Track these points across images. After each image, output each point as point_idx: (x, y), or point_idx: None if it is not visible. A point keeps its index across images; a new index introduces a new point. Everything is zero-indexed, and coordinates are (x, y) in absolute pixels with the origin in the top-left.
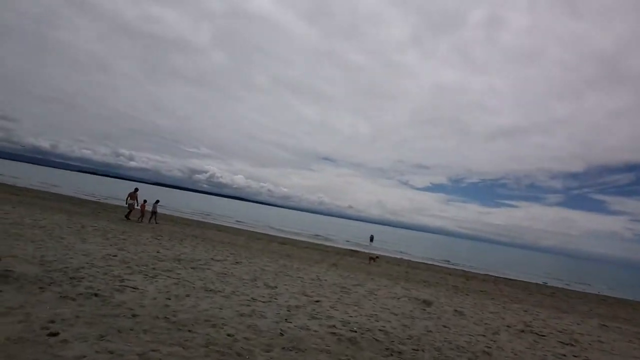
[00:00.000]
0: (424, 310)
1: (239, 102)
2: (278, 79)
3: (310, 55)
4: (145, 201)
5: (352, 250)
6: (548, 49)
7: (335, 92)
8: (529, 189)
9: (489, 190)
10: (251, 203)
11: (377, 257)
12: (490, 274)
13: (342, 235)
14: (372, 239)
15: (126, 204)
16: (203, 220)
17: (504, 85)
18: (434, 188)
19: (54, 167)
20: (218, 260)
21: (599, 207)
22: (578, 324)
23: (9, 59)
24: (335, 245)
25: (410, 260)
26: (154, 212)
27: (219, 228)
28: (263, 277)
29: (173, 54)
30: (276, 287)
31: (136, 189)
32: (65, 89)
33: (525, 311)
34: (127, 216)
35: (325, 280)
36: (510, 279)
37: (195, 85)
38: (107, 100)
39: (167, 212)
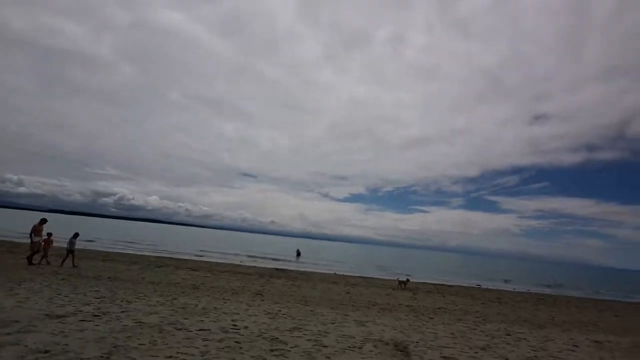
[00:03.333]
0: None
1: (152, 119)
2: (194, 95)
3: (227, 71)
4: (49, 235)
5: (278, 269)
6: (444, 66)
7: (254, 107)
8: (436, 194)
9: (403, 197)
10: (168, 225)
11: (407, 280)
12: (426, 281)
13: (267, 252)
14: (298, 253)
15: (31, 242)
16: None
17: (411, 99)
18: (353, 198)
19: None
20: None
21: (493, 207)
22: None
23: None
24: (259, 265)
25: (345, 275)
26: (70, 251)
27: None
28: (127, 344)
29: (73, 67)
30: None
31: (43, 221)
32: None
33: (510, 335)
34: (30, 260)
35: (246, 327)
36: (449, 286)
37: (101, 102)
38: None
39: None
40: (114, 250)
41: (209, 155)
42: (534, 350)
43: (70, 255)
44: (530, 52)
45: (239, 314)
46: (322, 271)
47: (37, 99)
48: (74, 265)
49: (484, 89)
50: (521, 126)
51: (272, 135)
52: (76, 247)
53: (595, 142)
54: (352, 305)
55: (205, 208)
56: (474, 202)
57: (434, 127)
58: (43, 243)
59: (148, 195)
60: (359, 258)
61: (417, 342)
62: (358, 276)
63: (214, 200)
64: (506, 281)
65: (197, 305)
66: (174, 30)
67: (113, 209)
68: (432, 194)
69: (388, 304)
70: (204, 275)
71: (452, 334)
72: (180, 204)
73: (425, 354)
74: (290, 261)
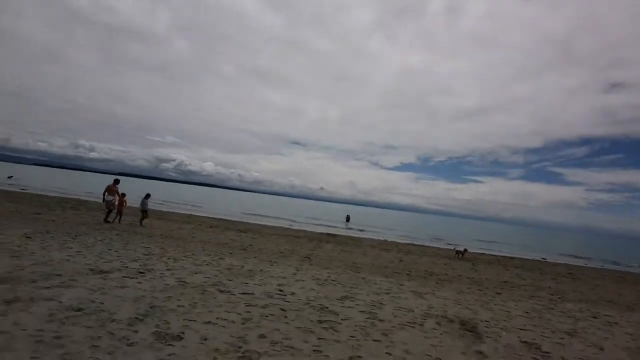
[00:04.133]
0: (479, 352)
1: (205, 90)
2: (244, 67)
3: (276, 43)
4: (124, 195)
5: (328, 234)
6: (506, 34)
7: (302, 78)
8: (493, 165)
9: (456, 167)
10: (221, 189)
11: (465, 250)
12: (484, 252)
13: (316, 216)
14: (348, 219)
15: (103, 201)
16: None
17: (467, 68)
18: (404, 167)
19: (6, 162)
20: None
21: (557, 179)
22: None
23: None
24: (308, 230)
25: (396, 243)
26: (143, 211)
27: (159, 216)
28: (166, 305)
29: (131, 42)
30: (182, 337)
31: (116, 181)
32: (16, 82)
33: (596, 318)
34: (106, 219)
35: (293, 293)
36: (510, 258)
37: (157, 74)
38: (64, 92)
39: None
40: (170, 210)
41: (259, 124)
42: (634, 340)
43: (143, 214)
44: (604, 16)
45: (285, 278)
46: (373, 237)
47: (100, 73)
48: (141, 224)
49: (551, 57)
50: (594, 95)
51: (321, 105)
52: (148, 207)
53: None
54: (407, 274)
55: (255, 174)
56: (535, 173)
57: (492, 97)
58: (117, 203)
59: (203, 161)
60: (410, 226)
61: (487, 322)
62: (410, 244)
63: (264, 167)
64: (576, 257)
65: (243, 266)
66: (225, 5)
67: (173, 174)
68: (488, 165)
69: (446, 274)
70: (252, 237)
71: (526, 312)
72: (232, 170)
73: (500, 336)
74: (339, 227)
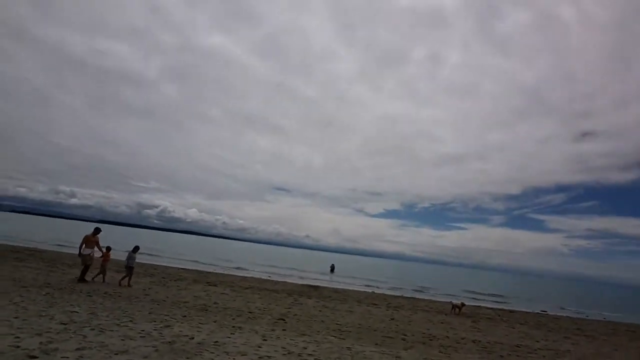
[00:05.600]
0: None
1: (192, 134)
2: (231, 112)
3: (264, 89)
4: (108, 249)
5: (309, 286)
6: (481, 83)
7: (289, 124)
8: (475, 212)
9: (440, 214)
10: (205, 237)
11: (462, 304)
12: (479, 304)
13: (299, 266)
14: (332, 268)
15: (79, 255)
16: None
17: (446, 116)
18: (388, 214)
19: None
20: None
21: (538, 226)
22: None
23: None
24: (289, 281)
25: (385, 295)
26: (129, 268)
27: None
28: None
29: (121, 87)
30: None
31: (96, 230)
32: (1, 124)
33: None
34: (82, 276)
35: None
36: (510, 311)
37: (145, 119)
38: (47, 135)
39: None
40: (139, 261)
41: (245, 169)
42: None
43: (128, 271)
44: (574, 68)
45: (246, 354)
46: (359, 289)
47: (87, 116)
48: (129, 285)
49: (524, 106)
50: (566, 143)
51: (306, 151)
52: (134, 261)
53: None
54: (403, 338)
55: (240, 221)
56: (517, 220)
57: (469, 144)
58: (101, 257)
59: (187, 208)
60: (397, 275)
61: None
62: (400, 296)
63: (248, 213)
64: (573, 308)
65: (193, 338)
66: (215, 52)
67: (156, 221)
68: (471, 211)
69: (448, 337)
70: (221, 291)
71: None
72: (217, 216)
73: None
74: (323, 278)
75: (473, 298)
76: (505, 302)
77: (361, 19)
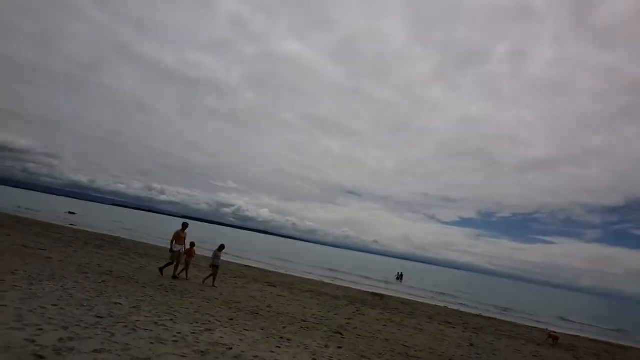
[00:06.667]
0: None
1: (267, 137)
2: (305, 116)
3: (337, 93)
4: (193, 245)
5: (374, 294)
6: (577, 80)
7: (361, 127)
8: (565, 224)
9: (522, 225)
10: (275, 237)
11: (557, 337)
12: (579, 333)
13: (365, 272)
14: (401, 277)
15: (170, 250)
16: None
17: (532, 116)
18: (462, 222)
19: (91, 201)
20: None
21: None
22: None
23: (58, 103)
24: (353, 287)
25: (460, 312)
26: (214, 267)
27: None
28: None
29: (206, 94)
30: None
31: (185, 225)
32: (106, 129)
33: None
34: (174, 273)
35: None
36: (619, 347)
37: (225, 123)
38: (144, 138)
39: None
40: (203, 254)
41: (316, 172)
42: None
43: (213, 270)
44: None
45: None
46: (430, 302)
47: (176, 122)
48: (213, 285)
49: (633, 104)
50: None
51: (378, 154)
52: (220, 260)
53: None
54: None
55: (310, 223)
56: (617, 236)
57: (561, 147)
58: (185, 252)
59: (260, 207)
60: (472, 289)
61: None
62: (478, 315)
63: (318, 215)
64: None
65: (231, 348)
66: (291, 58)
67: (231, 219)
68: (559, 224)
69: None
70: (278, 293)
71: None
72: (288, 217)
73: None
74: (389, 286)
75: (568, 327)
76: (610, 334)
77: (438, 19)
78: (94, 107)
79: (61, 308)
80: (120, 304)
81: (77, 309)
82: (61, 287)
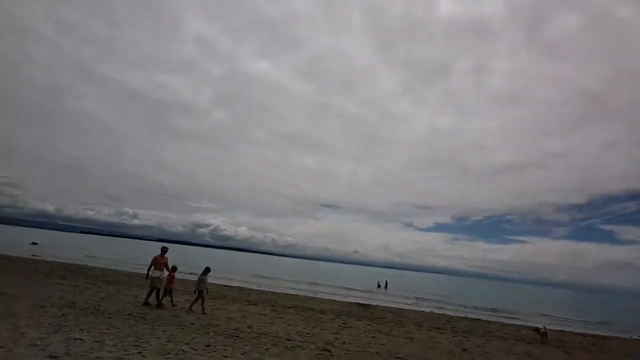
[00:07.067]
0: None
1: (240, 156)
2: (277, 133)
3: (308, 109)
4: (174, 269)
5: (360, 304)
6: (533, 90)
7: (333, 141)
8: (535, 224)
9: (495, 226)
10: (255, 254)
11: (545, 332)
12: (563, 328)
13: (348, 283)
14: (385, 285)
15: (147, 277)
16: None
17: (496, 125)
18: (439, 228)
19: (59, 230)
20: None
21: (608, 238)
22: None
23: (20, 130)
24: (337, 299)
25: (447, 316)
26: (199, 292)
27: None
28: None
29: (176, 115)
30: None
31: (164, 250)
32: (72, 154)
33: None
34: (148, 299)
35: None
36: (603, 337)
37: (197, 143)
38: (112, 162)
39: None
40: (183, 278)
41: (292, 187)
42: None
43: (199, 297)
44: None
45: None
46: (415, 308)
47: (146, 144)
48: (203, 313)
49: (583, 111)
50: (637, 147)
51: (352, 167)
52: (206, 284)
53: None
54: None
55: (289, 238)
56: (584, 232)
57: (525, 153)
58: (168, 277)
59: (238, 225)
60: (454, 292)
61: None
62: (464, 317)
63: (297, 230)
64: None
65: None
66: (260, 77)
67: (209, 239)
68: (530, 223)
69: None
70: (260, 311)
71: None
72: (266, 234)
73: None
74: (374, 295)
75: (551, 322)
76: (591, 326)
77: (399, 36)
78: (59, 133)
79: (8, 350)
80: (80, 339)
81: (27, 348)
82: (12, 325)
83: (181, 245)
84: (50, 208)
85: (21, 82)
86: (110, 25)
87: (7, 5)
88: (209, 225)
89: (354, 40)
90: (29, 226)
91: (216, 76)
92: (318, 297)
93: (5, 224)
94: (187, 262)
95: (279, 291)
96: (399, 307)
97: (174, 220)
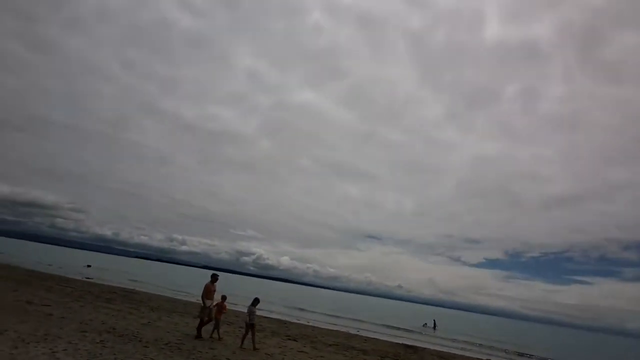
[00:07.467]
0: None
1: (285, 185)
2: (322, 162)
3: (352, 138)
4: (224, 298)
5: (407, 346)
6: (589, 114)
7: (377, 170)
8: (600, 262)
9: (554, 264)
10: (297, 285)
11: None
12: None
13: (393, 320)
14: (434, 325)
15: (203, 306)
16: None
17: (550, 152)
18: (489, 264)
19: (114, 254)
20: None
21: None
22: None
23: (86, 159)
24: (381, 338)
25: None
26: (250, 325)
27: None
28: None
29: (225, 145)
30: None
31: (214, 277)
32: (131, 181)
33: None
34: (199, 331)
35: None
36: None
37: (244, 172)
38: (166, 190)
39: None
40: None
41: (336, 217)
42: None
43: (250, 330)
44: None
45: None
46: (470, 354)
47: (196, 172)
48: (254, 348)
49: None
50: None
51: (397, 197)
52: (256, 316)
53: None
54: None
55: (331, 270)
56: None
57: (584, 183)
58: (215, 307)
59: (280, 255)
60: (511, 337)
61: None
62: None
63: (339, 262)
64: None
65: None
66: (306, 107)
67: (251, 267)
68: (594, 262)
69: None
70: (300, 348)
71: None
72: (308, 264)
73: None
74: (421, 336)
75: None
76: None
77: (444, 62)
78: (120, 162)
79: None
80: None
81: None
82: (50, 350)
83: (223, 273)
84: (108, 232)
85: (90, 115)
86: (170, 63)
87: (82, 47)
88: (253, 254)
89: (397, 67)
90: (89, 249)
91: (264, 106)
92: (361, 334)
93: (68, 246)
94: (229, 291)
95: (320, 326)
96: (451, 351)
97: (219, 247)
